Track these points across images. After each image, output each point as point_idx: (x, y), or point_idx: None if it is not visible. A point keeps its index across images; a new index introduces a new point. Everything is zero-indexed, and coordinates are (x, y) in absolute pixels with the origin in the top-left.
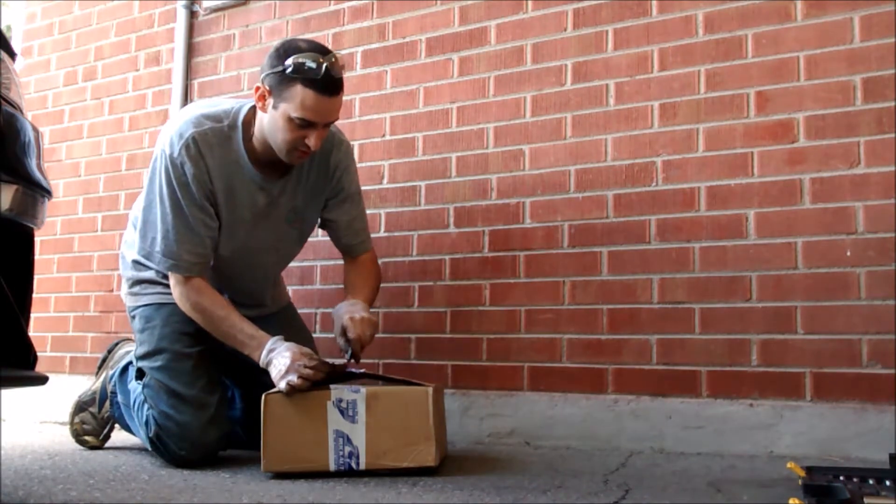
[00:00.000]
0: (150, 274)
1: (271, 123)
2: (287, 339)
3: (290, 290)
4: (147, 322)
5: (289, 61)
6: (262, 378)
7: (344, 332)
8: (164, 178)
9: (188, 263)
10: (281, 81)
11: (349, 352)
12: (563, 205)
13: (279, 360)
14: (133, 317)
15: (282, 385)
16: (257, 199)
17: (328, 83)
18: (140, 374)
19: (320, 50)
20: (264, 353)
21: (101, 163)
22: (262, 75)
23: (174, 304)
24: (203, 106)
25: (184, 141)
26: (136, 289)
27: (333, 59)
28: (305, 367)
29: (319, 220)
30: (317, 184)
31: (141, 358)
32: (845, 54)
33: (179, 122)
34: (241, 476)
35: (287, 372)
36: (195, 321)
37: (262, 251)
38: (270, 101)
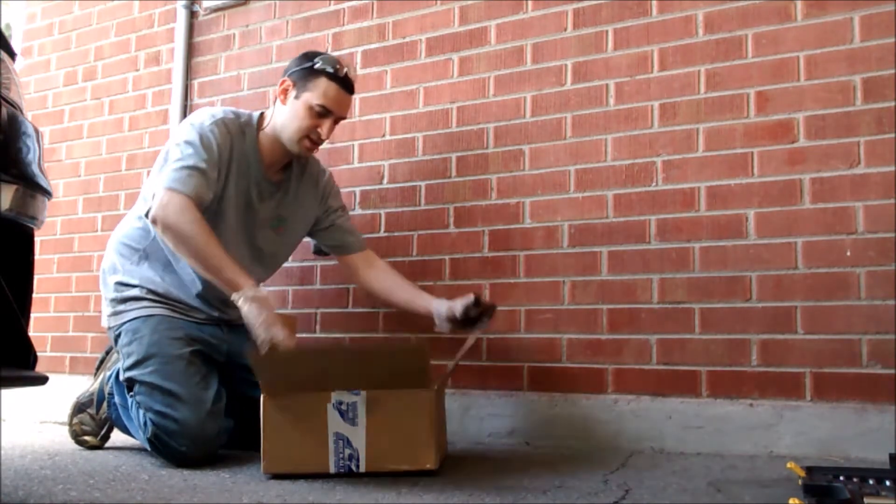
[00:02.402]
0: (135, 292)
1: (290, 113)
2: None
3: (290, 289)
4: (134, 334)
5: (317, 59)
6: (251, 377)
7: (458, 312)
8: (188, 137)
9: (195, 190)
10: (307, 75)
11: (483, 313)
12: (563, 205)
13: (271, 311)
14: (118, 335)
15: (266, 334)
16: (251, 192)
17: (347, 81)
18: (130, 387)
19: (339, 58)
20: (250, 291)
21: (101, 163)
22: (288, 72)
23: (160, 315)
24: (223, 108)
25: (217, 119)
26: (121, 307)
27: (350, 67)
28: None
29: (317, 240)
30: (305, 204)
31: (130, 368)
32: (845, 54)
33: (208, 111)
34: (241, 476)
35: (274, 325)
36: (175, 233)
37: (241, 242)
38: (293, 93)
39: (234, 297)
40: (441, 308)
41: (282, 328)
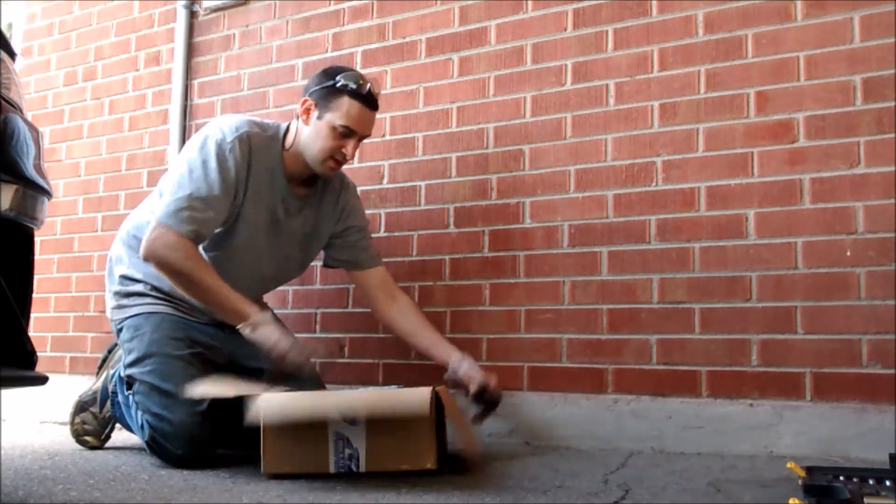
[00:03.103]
0: (139, 287)
1: (313, 133)
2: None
3: (290, 290)
4: (136, 330)
5: (339, 77)
6: (251, 378)
7: (472, 389)
8: (202, 156)
9: (188, 229)
10: (329, 94)
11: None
12: (563, 205)
13: (284, 331)
14: (120, 329)
15: (287, 354)
16: (278, 210)
17: (371, 98)
18: (129, 385)
19: (361, 74)
20: (266, 314)
21: (101, 163)
22: (309, 91)
23: (163, 312)
24: (250, 116)
25: (238, 134)
26: (125, 301)
27: (373, 81)
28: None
29: (327, 252)
30: (325, 219)
31: (130, 365)
32: (845, 54)
33: (233, 119)
34: (241, 476)
35: (295, 346)
36: (169, 272)
37: (264, 259)
38: (315, 113)
39: (240, 327)
40: (458, 368)
41: (290, 342)
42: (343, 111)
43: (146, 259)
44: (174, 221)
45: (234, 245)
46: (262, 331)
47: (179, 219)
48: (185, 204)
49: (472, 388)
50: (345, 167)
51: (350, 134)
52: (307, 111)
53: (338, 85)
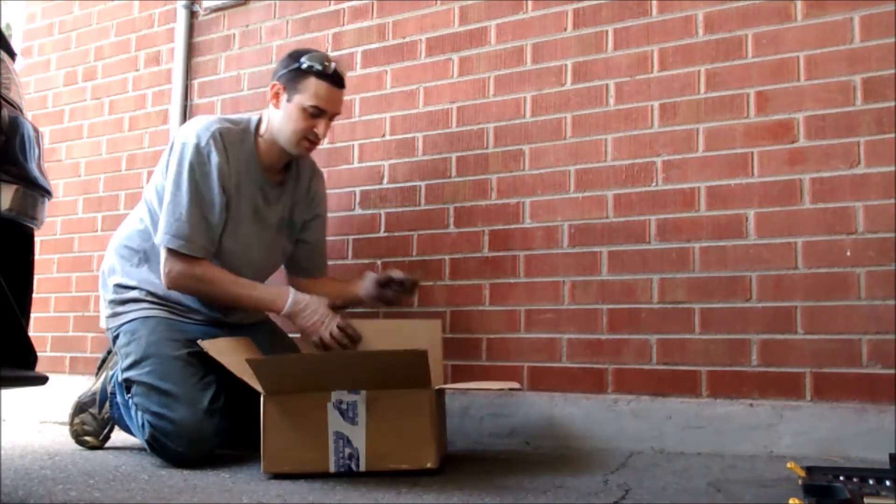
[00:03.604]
0: (134, 293)
1: (284, 116)
2: (275, 345)
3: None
4: (132, 335)
5: (303, 59)
6: None
7: (385, 282)
8: (186, 166)
9: (197, 246)
10: (296, 76)
11: (408, 283)
12: (563, 205)
13: (315, 309)
14: (116, 336)
15: (320, 335)
16: (258, 199)
17: (337, 77)
18: (128, 388)
19: (326, 55)
20: (290, 300)
21: (101, 163)
22: (277, 76)
23: (159, 317)
24: (219, 115)
25: (211, 133)
26: (119, 308)
27: (338, 61)
28: (339, 329)
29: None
30: (299, 204)
31: (128, 369)
32: (845, 54)
33: (203, 120)
34: (241, 476)
35: (326, 324)
36: (194, 294)
37: (254, 250)
38: (284, 97)
39: (283, 315)
40: (375, 275)
41: (333, 318)
42: (311, 92)
43: (169, 290)
44: (180, 245)
45: (234, 240)
46: (298, 322)
47: (184, 240)
48: (184, 222)
49: (396, 275)
50: (345, 166)
51: (320, 113)
52: (276, 95)
53: (303, 66)
